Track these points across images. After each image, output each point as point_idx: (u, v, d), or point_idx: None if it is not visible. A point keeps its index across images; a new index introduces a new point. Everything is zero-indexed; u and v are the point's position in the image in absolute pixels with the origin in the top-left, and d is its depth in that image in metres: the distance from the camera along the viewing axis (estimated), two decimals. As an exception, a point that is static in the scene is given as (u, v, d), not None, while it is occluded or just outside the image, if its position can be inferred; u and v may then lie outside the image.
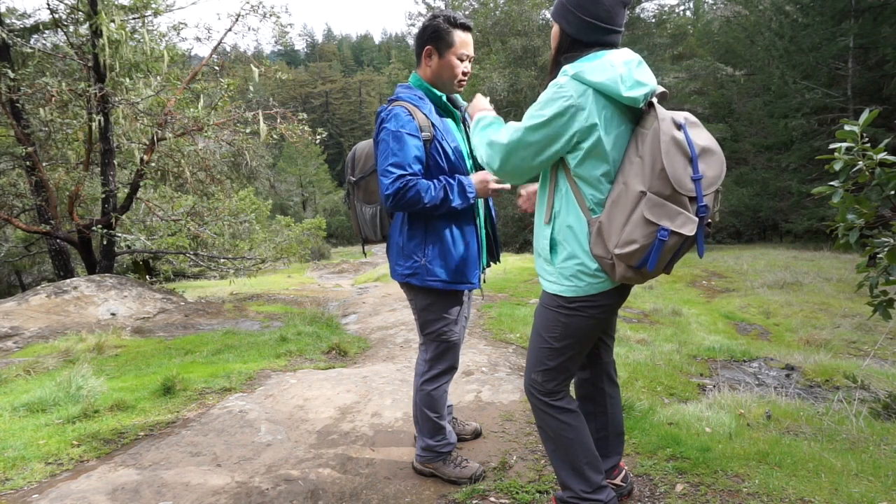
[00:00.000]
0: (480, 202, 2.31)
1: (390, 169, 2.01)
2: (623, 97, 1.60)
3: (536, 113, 1.63)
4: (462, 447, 2.65)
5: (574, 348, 1.80)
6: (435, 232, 2.14)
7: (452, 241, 2.15)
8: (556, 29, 1.76)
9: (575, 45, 1.71)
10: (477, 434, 2.77)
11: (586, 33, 1.67)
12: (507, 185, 2.14)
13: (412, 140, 2.04)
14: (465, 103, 2.35)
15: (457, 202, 2.07)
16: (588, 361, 2.05)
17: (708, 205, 1.58)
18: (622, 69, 1.61)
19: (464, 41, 2.12)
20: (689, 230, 1.54)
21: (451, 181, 2.08)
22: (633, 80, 1.61)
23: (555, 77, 1.71)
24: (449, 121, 2.24)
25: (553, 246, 1.75)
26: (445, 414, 2.39)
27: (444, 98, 2.22)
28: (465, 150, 2.24)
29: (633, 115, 1.67)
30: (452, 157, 2.14)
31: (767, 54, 19.12)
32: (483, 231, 2.30)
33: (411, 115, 2.07)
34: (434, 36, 2.11)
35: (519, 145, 1.67)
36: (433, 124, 2.12)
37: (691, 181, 1.54)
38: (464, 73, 2.17)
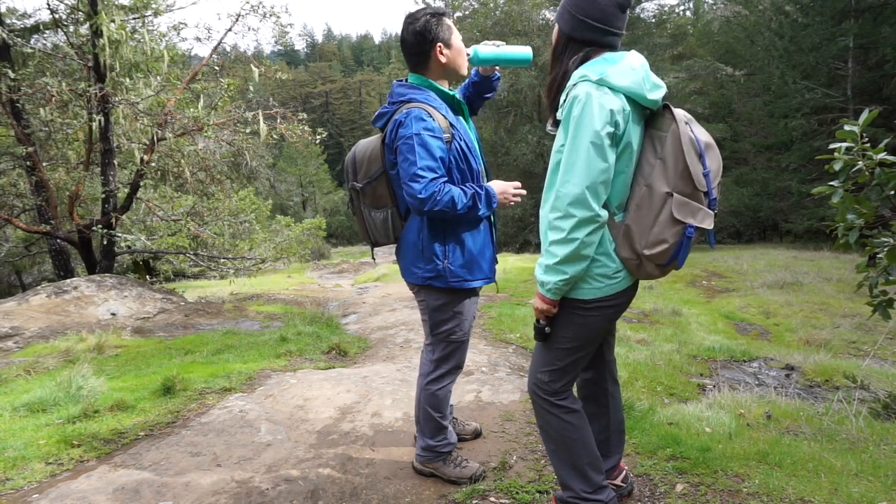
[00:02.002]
0: None
1: (422, 173, 1.98)
2: (648, 100, 1.63)
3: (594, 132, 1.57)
4: (462, 447, 2.65)
5: (585, 348, 1.81)
6: (454, 233, 2.16)
7: (472, 239, 2.18)
8: (556, 29, 1.78)
9: (569, 43, 1.72)
10: (477, 434, 2.77)
11: (580, 31, 1.69)
12: (524, 193, 2.21)
13: (437, 142, 2.03)
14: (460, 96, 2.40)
15: (483, 211, 2.09)
16: (592, 361, 2.05)
17: (716, 197, 1.66)
18: (641, 72, 1.63)
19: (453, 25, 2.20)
20: (709, 224, 1.63)
21: (480, 190, 2.08)
22: (652, 83, 1.65)
23: (559, 73, 1.73)
24: (461, 118, 2.25)
25: None
26: (448, 414, 2.39)
27: (457, 95, 2.22)
28: (477, 147, 2.25)
29: (641, 116, 1.68)
30: (470, 157, 2.15)
31: (767, 54, 19.12)
32: (495, 226, 2.33)
33: (431, 116, 2.06)
34: (437, 31, 2.11)
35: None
36: (452, 124, 2.12)
37: (703, 176, 1.61)
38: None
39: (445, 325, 2.26)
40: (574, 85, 1.62)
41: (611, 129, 1.56)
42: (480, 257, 2.20)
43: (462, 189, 2.06)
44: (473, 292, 2.29)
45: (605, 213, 1.63)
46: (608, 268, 1.70)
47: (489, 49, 2.21)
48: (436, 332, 2.28)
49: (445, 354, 2.30)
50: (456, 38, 2.15)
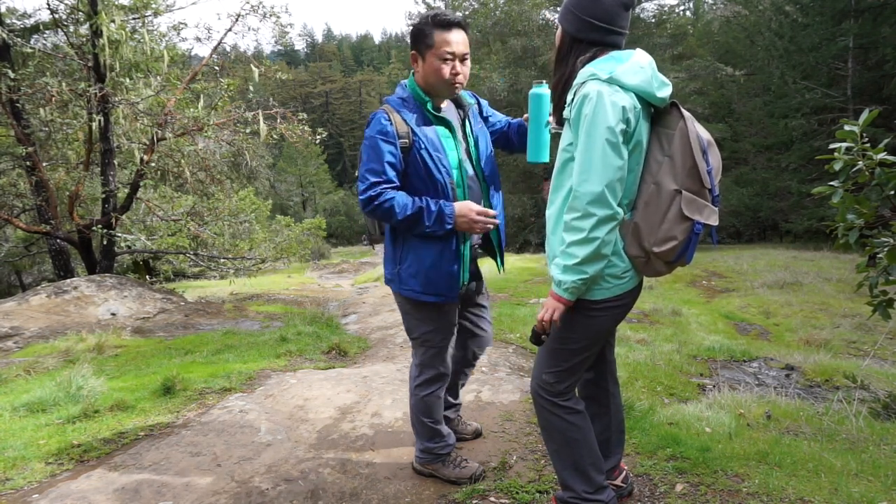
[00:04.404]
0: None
1: (365, 175, 2.01)
2: (656, 98, 1.63)
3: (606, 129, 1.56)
4: (462, 447, 2.65)
5: (590, 349, 1.81)
6: (406, 240, 2.12)
7: (426, 253, 2.08)
8: (559, 30, 1.77)
9: (575, 44, 1.71)
10: (477, 434, 2.77)
11: (585, 32, 1.68)
12: (495, 223, 2.07)
13: (386, 146, 2.01)
14: (472, 101, 2.26)
15: (431, 228, 2.00)
16: (593, 361, 2.05)
17: (718, 193, 1.68)
18: (649, 70, 1.63)
19: (445, 40, 2.00)
20: (714, 220, 1.65)
21: (432, 207, 1.99)
22: (660, 81, 1.65)
23: (565, 73, 1.72)
24: (439, 128, 2.12)
25: None
26: (441, 418, 2.37)
27: (430, 105, 2.10)
28: (453, 159, 2.11)
29: (648, 115, 1.69)
30: (433, 168, 2.04)
31: (767, 54, 19.10)
32: (466, 246, 2.14)
33: (390, 119, 2.03)
34: (415, 39, 2.07)
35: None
36: (412, 131, 2.04)
37: (707, 174, 1.62)
38: (454, 74, 2.04)
39: (416, 330, 2.24)
40: (583, 83, 1.61)
41: (623, 127, 1.56)
42: (433, 272, 2.09)
43: (412, 200, 2.00)
44: (432, 307, 2.17)
45: (621, 211, 1.62)
46: (617, 267, 1.70)
47: (546, 115, 1.98)
48: (411, 337, 2.29)
49: (424, 360, 2.27)
50: (434, 55, 2.01)
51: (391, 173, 2.01)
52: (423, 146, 2.05)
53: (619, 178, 1.58)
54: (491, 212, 2.06)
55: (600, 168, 1.55)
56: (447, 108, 2.20)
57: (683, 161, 1.61)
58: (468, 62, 2.09)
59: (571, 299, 1.68)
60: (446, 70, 2.02)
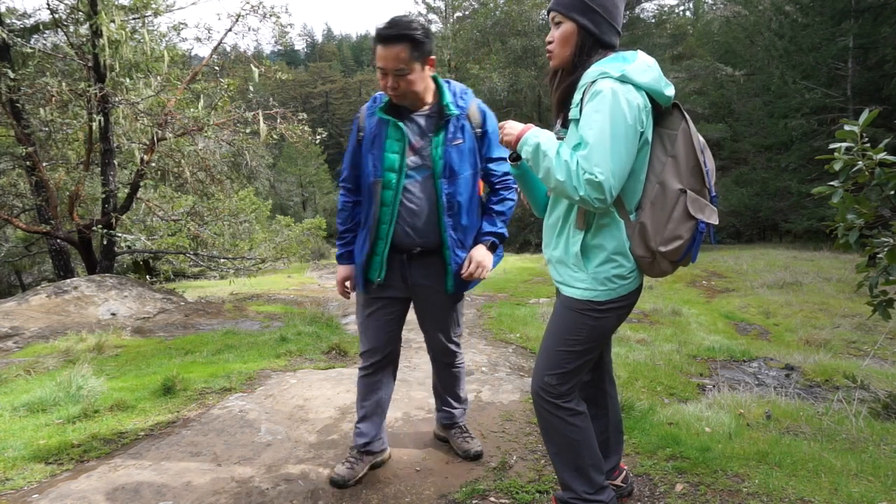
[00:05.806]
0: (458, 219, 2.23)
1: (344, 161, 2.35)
2: (664, 97, 1.65)
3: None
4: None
5: (594, 350, 1.81)
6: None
7: (359, 235, 2.35)
8: (571, 27, 1.69)
9: (597, 46, 1.69)
10: (476, 457, 2.52)
11: (609, 36, 1.70)
12: (343, 297, 2.45)
13: (352, 137, 2.28)
14: (456, 111, 2.13)
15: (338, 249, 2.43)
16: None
17: (716, 194, 1.72)
18: (656, 70, 1.65)
19: (377, 54, 2.01)
20: (715, 219, 1.68)
21: (344, 243, 2.41)
22: (665, 81, 1.66)
23: (574, 78, 1.70)
24: (390, 129, 2.12)
25: (586, 252, 1.72)
26: (366, 410, 2.39)
27: (381, 106, 2.14)
28: (392, 161, 2.12)
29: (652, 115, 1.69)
30: (363, 163, 2.21)
31: (767, 54, 19.14)
32: (383, 246, 2.20)
33: (359, 113, 2.26)
34: None
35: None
36: (366, 125, 2.22)
37: (706, 174, 1.66)
38: (388, 87, 2.03)
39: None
40: (593, 82, 1.59)
41: (639, 126, 1.57)
42: (359, 251, 2.32)
43: (348, 220, 2.38)
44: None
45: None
46: (624, 268, 1.70)
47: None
48: None
49: None
50: (376, 65, 2.10)
51: (347, 165, 2.30)
52: (365, 140, 2.22)
53: (624, 175, 1.58)
54: (344, 290, 2.46)
55: (611, 161, 1.53)
56: (423, 113, 2.16)
57: (687, 160, 1.63)
58: (409, 77, 2.02)
59: (513, 149, 1.74)
60: (382, 81, 2.08)
